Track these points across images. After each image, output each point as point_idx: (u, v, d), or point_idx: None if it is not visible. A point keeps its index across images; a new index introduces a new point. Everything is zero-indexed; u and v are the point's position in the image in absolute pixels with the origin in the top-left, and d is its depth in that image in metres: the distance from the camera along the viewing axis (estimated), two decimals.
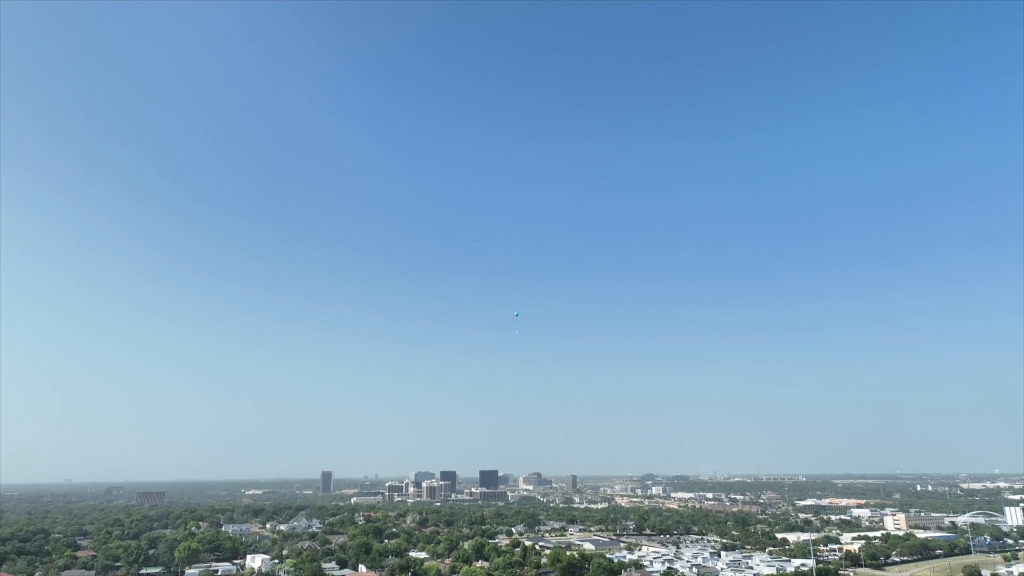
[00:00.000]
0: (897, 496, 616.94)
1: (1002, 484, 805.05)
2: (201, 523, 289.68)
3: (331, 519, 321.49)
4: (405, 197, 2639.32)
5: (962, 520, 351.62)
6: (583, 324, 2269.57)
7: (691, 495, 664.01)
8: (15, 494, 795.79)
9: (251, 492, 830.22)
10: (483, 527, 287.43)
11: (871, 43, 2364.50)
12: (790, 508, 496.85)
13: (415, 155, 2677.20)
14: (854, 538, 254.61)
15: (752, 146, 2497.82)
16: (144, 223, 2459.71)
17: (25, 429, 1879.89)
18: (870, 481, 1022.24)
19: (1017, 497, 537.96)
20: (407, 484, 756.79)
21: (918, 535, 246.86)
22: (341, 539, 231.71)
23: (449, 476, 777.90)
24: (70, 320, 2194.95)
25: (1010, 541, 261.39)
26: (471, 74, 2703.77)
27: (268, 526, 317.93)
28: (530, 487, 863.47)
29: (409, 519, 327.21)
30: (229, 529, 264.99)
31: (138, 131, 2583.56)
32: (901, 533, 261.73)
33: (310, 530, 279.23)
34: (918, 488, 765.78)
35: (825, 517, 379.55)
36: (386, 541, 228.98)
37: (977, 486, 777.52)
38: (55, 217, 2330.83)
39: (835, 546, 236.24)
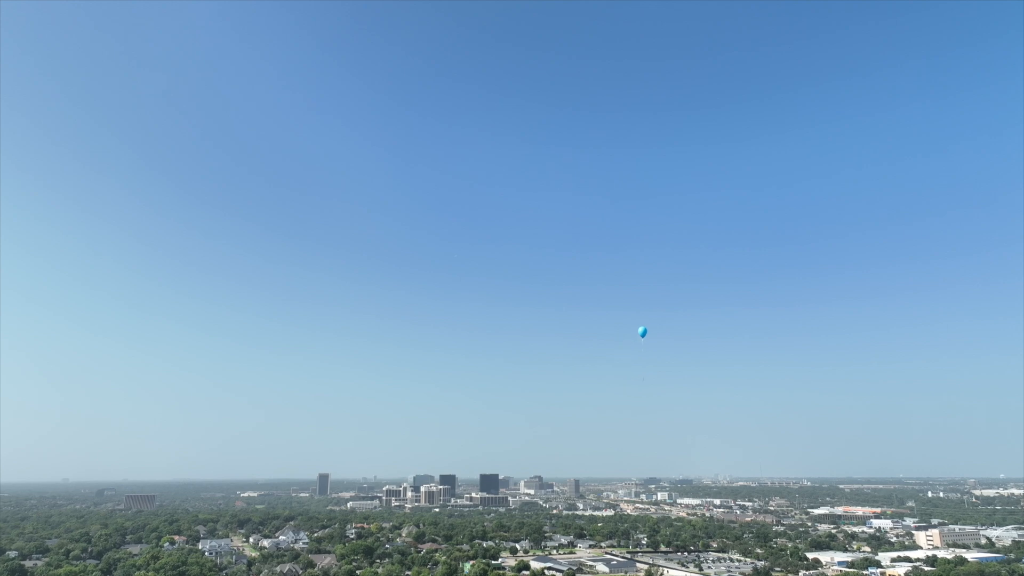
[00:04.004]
0: (911, 504, 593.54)
1: (1015, 491, 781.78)
2: (177, 537, 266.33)
3: (320, 532, 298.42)
4: (404, 199, 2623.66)
5: (996, 535, 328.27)
6: (583, 326, 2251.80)
7: (698, 501, 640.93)
8: (6, 495, 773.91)
9: (246, 494, 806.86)
10: (484, 543, 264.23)
11: (870, 46, 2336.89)
12: (804, 517, 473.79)
13: (413, 157, 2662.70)
14: (894, 560, 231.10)
15: (750, 150, 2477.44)
16: (143, 223, 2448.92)
17: (24, 428, 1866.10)
18: (878, 487, 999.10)
19: None
20: (405, 488, 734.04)
21: (967, 557, 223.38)
22: (327, 560, 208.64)
23: (448, 480, 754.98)
24: (70, 320, 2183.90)
25: None
26: (470, 77, 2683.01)
27: (251, 540, 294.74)
28: (531, 491, 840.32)
29: (405, 532, 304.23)
30: (206, 546, 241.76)
31: (136, 131, 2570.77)
32: (945, 554, 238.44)
33: (296, 546, 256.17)
34: (929, 495, 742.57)
35: (848, 530, 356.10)
36: (377, 563, 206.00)
37: (990, 493, 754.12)
38: (52, 216, 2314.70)
39: (876, 570, 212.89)
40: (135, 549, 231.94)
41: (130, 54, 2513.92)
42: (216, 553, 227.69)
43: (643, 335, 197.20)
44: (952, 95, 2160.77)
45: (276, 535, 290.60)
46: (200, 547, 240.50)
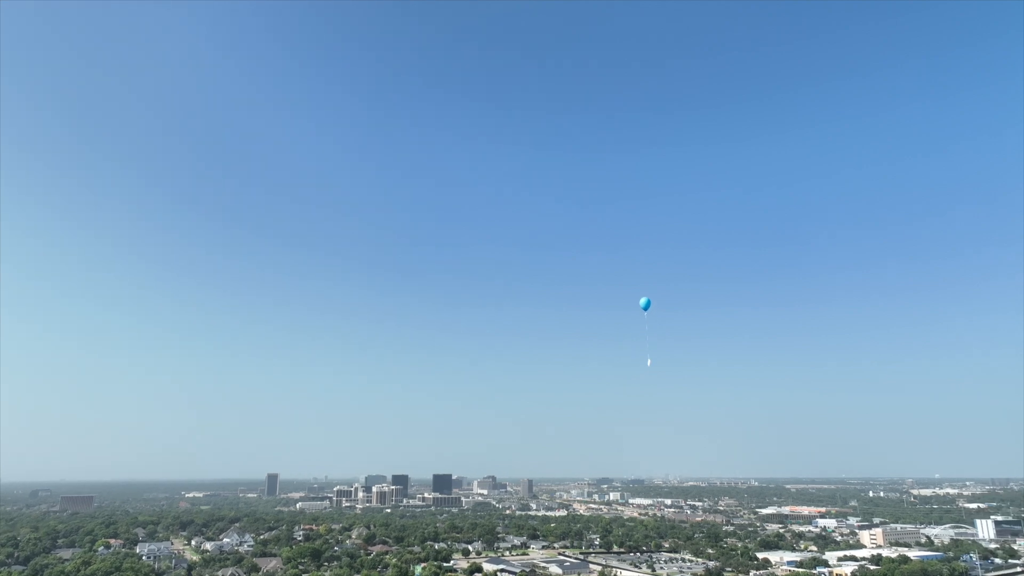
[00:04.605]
0: (854, 503, 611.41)
1: (950, 490, 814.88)
2: (113, 541, 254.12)
3: (267, 534, 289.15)
4: (367, 199, 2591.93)
5: (935, 534, 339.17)
6: (582, 326, 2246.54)
7: (650, 501, 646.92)
8: None
9: (192, 495, 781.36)
10: (436, 545, 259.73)
11: (870, 46, 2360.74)
12: (753, 517, 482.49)
13: (377, 156, 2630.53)
14: (840, 559, 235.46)
15: (750, 150, 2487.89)
16: (94, 211, 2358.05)
17: None
18: (822, 486, 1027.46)
19: (974, 506, 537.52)
20: (356, 488, 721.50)
21: (910, 556, 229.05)
22: (272, 563, 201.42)
23: (401, 480, 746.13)
24: (9, 314, 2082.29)
25: (998, 561, 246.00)
26: (470, 80, 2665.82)
27: (194, 543, 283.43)
28: (484, 492, 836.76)
29: (355, 533, 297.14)
30: (145, 549, 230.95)
31: (118, 135, 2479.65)
32: (888, 553, 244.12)
33: (241, 549, 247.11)
34: (870, 494, 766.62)
35: (795, 530, 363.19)
36: (324, 566, 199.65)
37: (927, 492, 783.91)
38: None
39: (824, 570, 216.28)
40: (67, 554, 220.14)
41: (116, 61, 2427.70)
42: (155, 557, 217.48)
43: (646, 308, 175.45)
44: (952, 95, 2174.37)
45: (220, 537, 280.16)
46: (138, 551, 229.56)
